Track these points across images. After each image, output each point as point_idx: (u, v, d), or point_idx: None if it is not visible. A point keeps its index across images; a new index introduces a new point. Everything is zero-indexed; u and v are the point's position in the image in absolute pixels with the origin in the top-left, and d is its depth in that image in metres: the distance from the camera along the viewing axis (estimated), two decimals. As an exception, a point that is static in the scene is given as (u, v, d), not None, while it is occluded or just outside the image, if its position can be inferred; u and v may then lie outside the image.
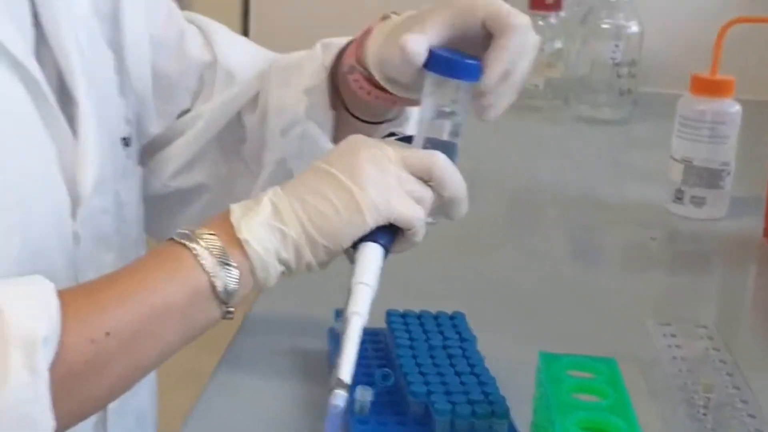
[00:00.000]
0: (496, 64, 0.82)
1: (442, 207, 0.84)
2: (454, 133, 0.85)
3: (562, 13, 1.83)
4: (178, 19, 1.06)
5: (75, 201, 0.88)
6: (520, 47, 0.82)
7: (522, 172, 1.58)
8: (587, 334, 1.02)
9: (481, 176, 1.42)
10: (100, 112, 0.92)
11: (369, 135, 0.97)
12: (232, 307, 0.79)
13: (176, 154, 1.04)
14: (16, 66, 0.83)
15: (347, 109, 0.96)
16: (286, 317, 1.02)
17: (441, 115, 0.84)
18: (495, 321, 1.02)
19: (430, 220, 0.84)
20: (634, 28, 1.77)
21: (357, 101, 0.95)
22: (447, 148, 0.84)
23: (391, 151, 0.81)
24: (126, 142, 0.97)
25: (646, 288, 1.19)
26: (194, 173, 1.05)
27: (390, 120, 0.98)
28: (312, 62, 0.97)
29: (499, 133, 1.67)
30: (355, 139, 0.83)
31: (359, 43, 0.91)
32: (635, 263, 1.27)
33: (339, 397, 0.74)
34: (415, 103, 0.88)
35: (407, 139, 0.85)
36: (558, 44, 1.83)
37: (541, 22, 1.81)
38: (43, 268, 0.83)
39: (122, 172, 0.96)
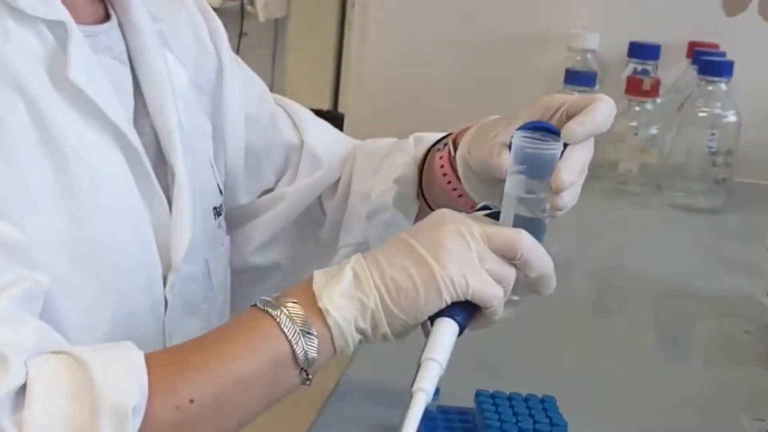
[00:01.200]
0: (585, 121, 0.82)
1: (529, 284, 0.83)
2: (543, 209, 0.84)
3: (659, 100, 1.82)
4: (269, 100, 1.09)
5: (167, 267, 0.89)
6: (607, 118, 0.82)
7: (612, 257, 1.56)
8: (679, 426, 1.00)
9: (571, 259, 1.41)
10: (195, 182, 0.93)
11: None
12: (311, 374, 0.79)
13: (258, 231, 1.06)
14: (116, 133, 0.85)
15: (426, 201, 0.98)
16: (377, 388, 1.02)
17: (529, 191, 0.84)
18: (585, 407, 1.00)
19: (515, 298, 0.84)
20: (731, 117, 1.76)
21: (434, 192, 0.96)
22: (535, 224, 0.83)
23: (476, 227, 0.81)
24: (217, 211, 0.99)
25: (739, 382, 1.16)
26: (273, 252, 1.07)
27: None
28: (404, 154, 0.99)
29: (591, 217, 1.66)
30: (442, 214, 0.83)
31: (463, 130, 0.93)
32: (728, 356, 1.24)
33: None
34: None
35: (497, 215, 0.85)
36: (653, 130, 1.82)
37: (637, 108, 1.80)
38: (134, 332, 0.84)
39: (212, 240, 0.97)
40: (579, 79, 1.81)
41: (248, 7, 4.13)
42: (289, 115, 1.09)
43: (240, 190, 1.06)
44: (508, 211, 0.84)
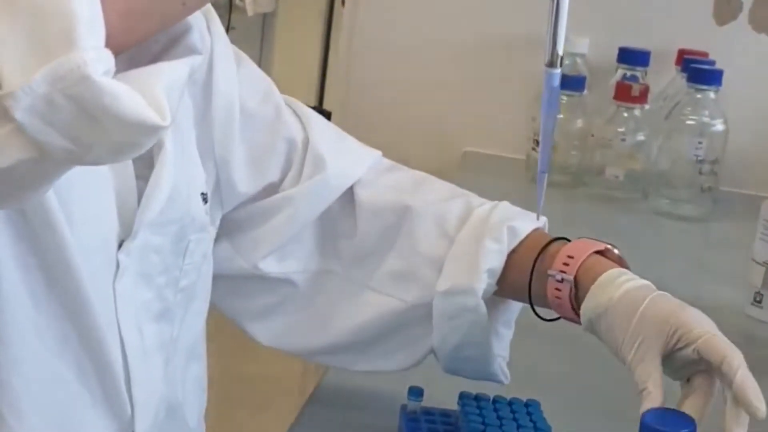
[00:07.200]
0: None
1: None
2: None
3: (647, 107, 1.82)
4: (276, 98, 1.07)
5: (126, 231, 0.88)
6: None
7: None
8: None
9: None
10: (182, 161, 0.93)
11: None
12: None
13: (269, 236, 1.03)
14: None
15: (530, 297, 0.96)
16: (358, 391, 1.01)
17: None
18: (569, 412, 1.00)
19: None
20: (719, 126, 1.76)
21: (520, 289, 0.96)
22: None
23: None
24: (204, 198, 0.98)
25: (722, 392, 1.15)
26: (285, 263, 1.03)
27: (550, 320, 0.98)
28: (496, 243, 0.97)
29: (576, 222, 1.66)
30: None
31: (583, 264, 0.92)
32: (710, 365, 1.24)
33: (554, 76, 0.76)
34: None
35: None
36: (641, 137, 1.82)
37: (625, 114, 1.80)
38: (82, 288, 0.83)
39: (200, 225, 0.96)
40: (568, 83, 1.80)
41: (237, 1, 4.13)
42: (296, 114, 1.08)
43: (238, 181, 1.04)
44: None
